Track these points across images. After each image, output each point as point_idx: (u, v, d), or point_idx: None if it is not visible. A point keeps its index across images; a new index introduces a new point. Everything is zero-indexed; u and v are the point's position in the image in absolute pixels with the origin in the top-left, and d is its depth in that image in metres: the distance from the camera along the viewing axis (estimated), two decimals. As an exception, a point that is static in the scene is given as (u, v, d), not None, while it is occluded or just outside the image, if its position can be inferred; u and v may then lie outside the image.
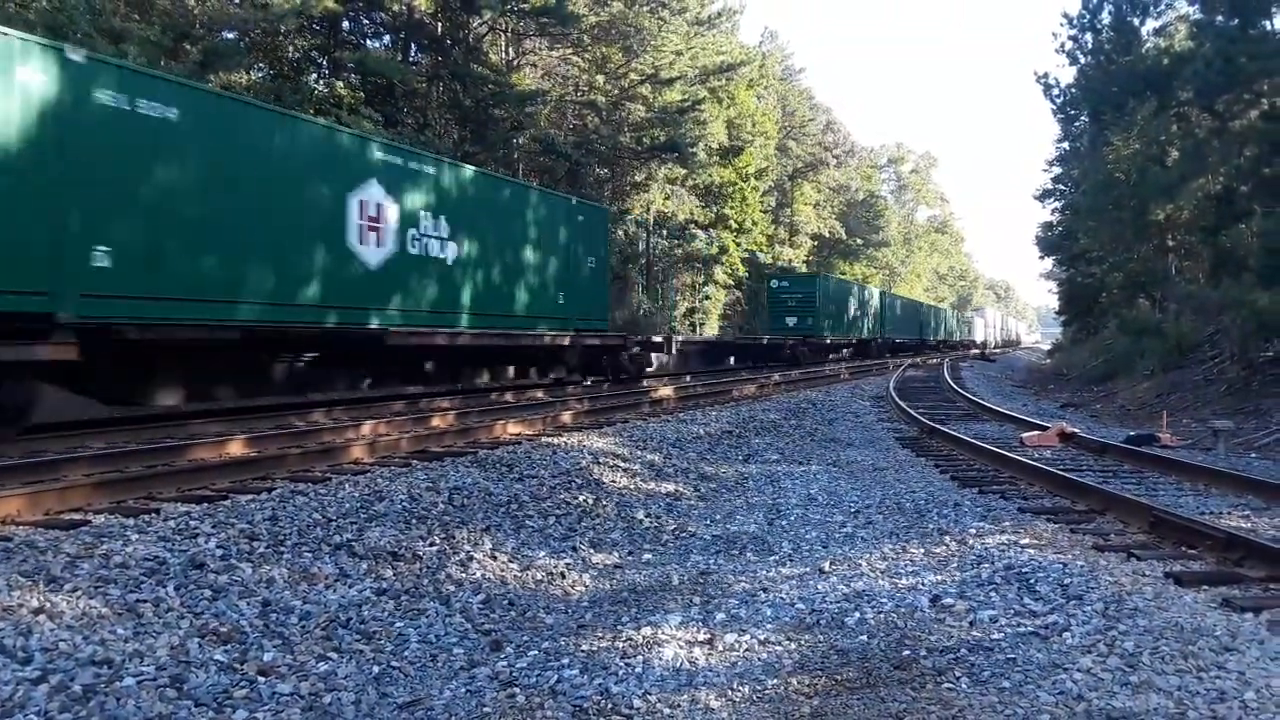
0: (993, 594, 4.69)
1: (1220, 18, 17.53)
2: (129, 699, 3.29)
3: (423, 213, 12.81)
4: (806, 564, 5.67)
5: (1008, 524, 6.32)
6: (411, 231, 12.55)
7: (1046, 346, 72.59)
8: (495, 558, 5.56)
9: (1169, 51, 21.18)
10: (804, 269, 49.77)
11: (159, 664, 3.57)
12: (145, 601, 4.05)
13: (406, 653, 4.16)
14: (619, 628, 4.48)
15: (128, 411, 9.63)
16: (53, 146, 8.01)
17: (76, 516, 5.29)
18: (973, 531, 6.12)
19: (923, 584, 5.01)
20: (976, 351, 58.73)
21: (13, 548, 4.47)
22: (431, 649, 4.24)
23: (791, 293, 33.68)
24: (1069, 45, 24.20)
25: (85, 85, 8.30)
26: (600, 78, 33.50)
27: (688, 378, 22.77)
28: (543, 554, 5.82)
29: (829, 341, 35.02)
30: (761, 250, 42.79)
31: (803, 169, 57.18)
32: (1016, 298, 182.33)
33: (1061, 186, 43.10)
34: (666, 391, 15.63)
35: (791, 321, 32.83)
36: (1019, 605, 4.48)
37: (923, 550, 5.76)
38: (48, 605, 3.85)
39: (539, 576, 5.43)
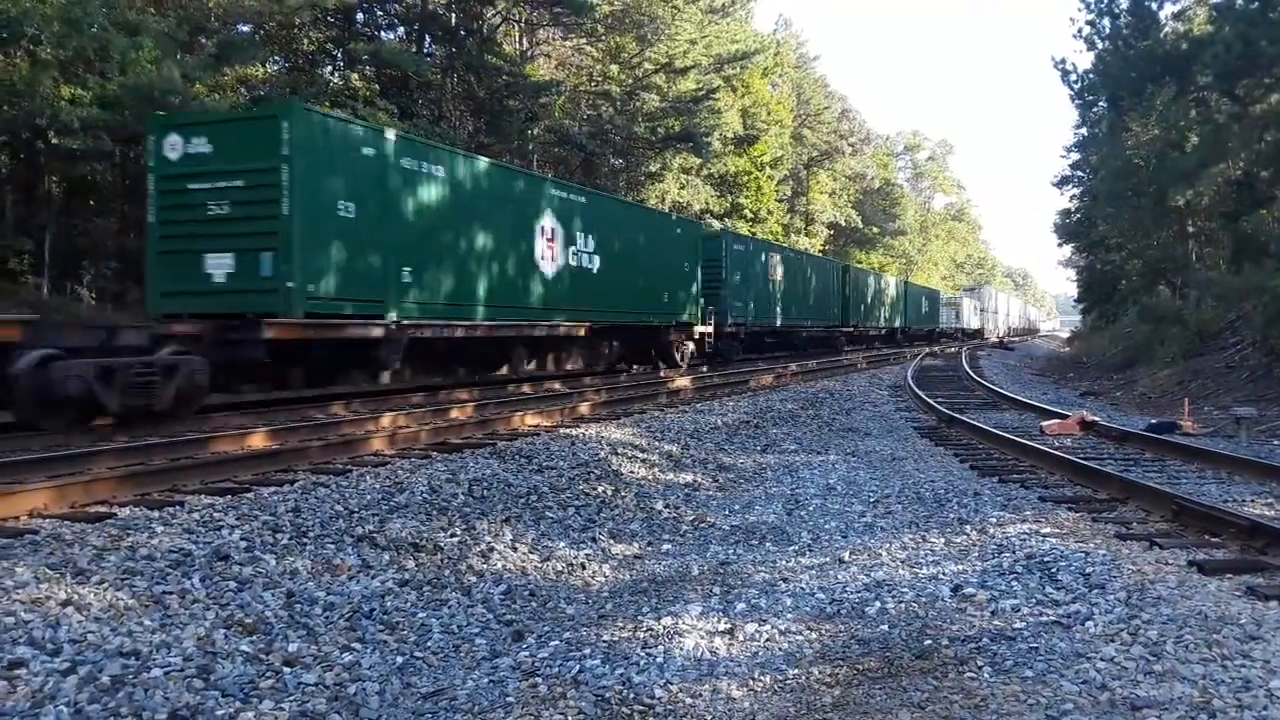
0: (1014, 583, 4.67)
1: (1240, 0, 17.31)
2: (157, 690, 3.33)
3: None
4: (826, 554, 5.67)
5: (1029, 513, 6.29)
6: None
7: (1065, 334, 72.10)
8: (516, 549, 5.58)
9: (1188, 36, 20.93)
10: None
11: (186, 655, 3.60)
12: (171, 593, 4.10)
13: (429, 643, 4.19)
14: (639, 618, 4.49)
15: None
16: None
17: (102, 509, 5.34)
18: (993, 521, 6.10)
19: (943, 573, 5.00)
20: (983, 342, 57.73)
21: (40, 541, 4.52)
22: (454, 639, 4.26)
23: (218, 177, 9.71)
24: (1086, 30, 23.86)
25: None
26: (614, 67, 33.45)
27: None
28: (563, 545, 5.84)
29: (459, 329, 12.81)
30: (778, 239, 42.55)
31: (818, 157, 57.00)
32: (1035, 285, 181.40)
33: (1080, 173, 42.71)
34: (684, 382, 15.62)
35: (218, 272, 9.78)
36: (1041, 594, 4.47)
37: (943, 540, 5.75)
38: (75, 597, 3.89)
39: (559, 567, 5.45)
